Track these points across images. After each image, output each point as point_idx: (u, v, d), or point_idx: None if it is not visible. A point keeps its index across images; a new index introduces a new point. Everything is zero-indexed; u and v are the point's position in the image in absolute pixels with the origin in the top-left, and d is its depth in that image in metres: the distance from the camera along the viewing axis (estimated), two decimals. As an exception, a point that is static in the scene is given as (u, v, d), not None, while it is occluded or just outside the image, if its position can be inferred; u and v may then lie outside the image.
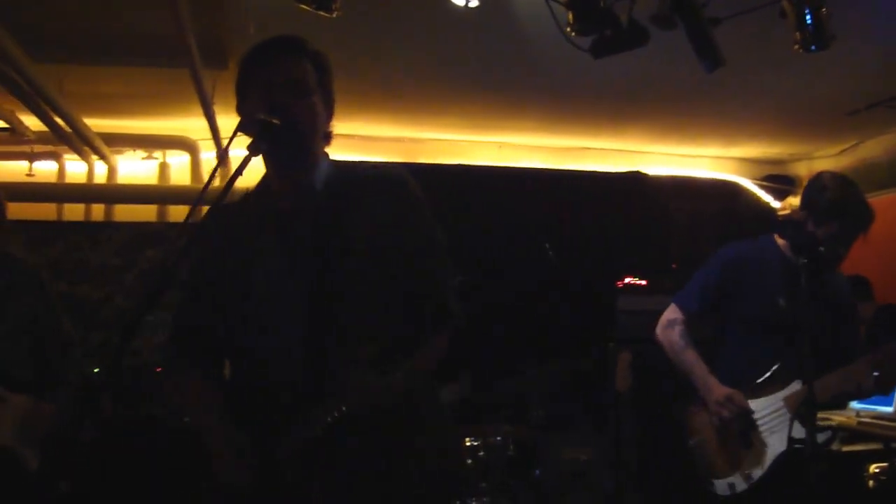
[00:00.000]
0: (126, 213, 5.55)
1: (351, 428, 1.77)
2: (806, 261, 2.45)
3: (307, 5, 2.55)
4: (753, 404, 2.72)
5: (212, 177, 1.80)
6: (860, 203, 2.75)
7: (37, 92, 3.93)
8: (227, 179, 1.78)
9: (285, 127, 1.85)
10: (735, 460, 2.70)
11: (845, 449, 3.32)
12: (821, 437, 2.53)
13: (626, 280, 5.42)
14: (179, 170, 5.69)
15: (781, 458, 2.61)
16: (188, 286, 2.03)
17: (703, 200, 6.41)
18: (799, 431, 2.47)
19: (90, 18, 3.58)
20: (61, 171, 5.53)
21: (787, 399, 2.68)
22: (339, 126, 5.90)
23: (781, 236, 2.85)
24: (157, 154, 5.65)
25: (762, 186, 6.45)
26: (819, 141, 6.08)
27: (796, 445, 2.47)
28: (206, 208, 1.78)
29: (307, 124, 1.93)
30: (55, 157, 5.44)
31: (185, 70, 3.83)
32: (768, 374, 2.73)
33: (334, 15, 2.59)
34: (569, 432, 4.81)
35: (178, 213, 5.64)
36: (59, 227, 5.38)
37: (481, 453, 3.88)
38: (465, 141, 6.12)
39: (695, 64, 4.45)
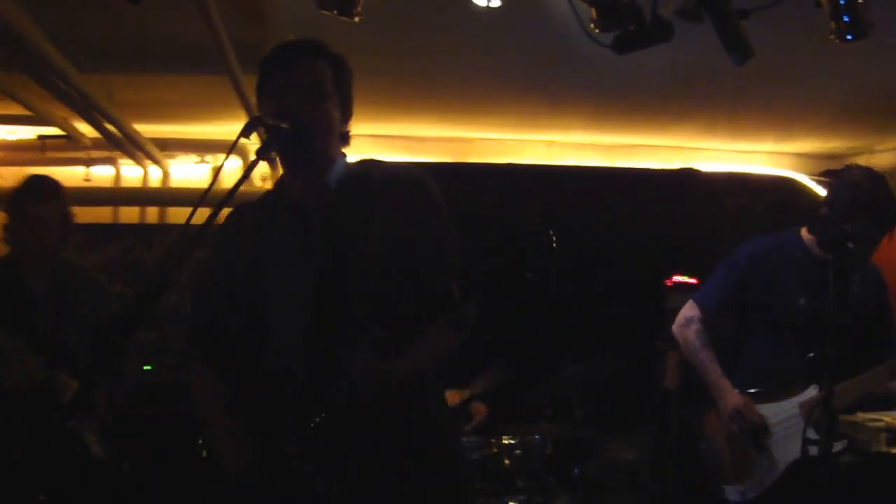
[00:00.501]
0: (179, 215, 5.70)
1: (357, 418, 1.79)
2: (832, 257, 2.37)
3: (328, 10, 2.58)
4: (768, 409, 2.65)
5: (213, 181, 1.85)
6: (889, 201, 2.65)
7: (86, 101, 4.07)
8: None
9: (294, 131, 1.87)
10: (747, 467, 2.63)
11: (893, 451, 3.20)
12: (836, 447, 2.42)
13: (677, 278, 5.34)
14: (232, 173, 5.81)
15: (794, 466, 2.53)
16: (205, 284, 2.08)
17: (758, 197, 6.25)
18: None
19: (131, 29, 3.66)
20: (117, 176, 5.71)
21: (802, 405, 2.60)
22: (387, 127, 5.94)
23: (810, 231, 2.76)
24: (210, 158, 5.79)
25: (819, 182, 6.25)
26: (878, 134, 5.87)
27: (809, 452, 2.37)
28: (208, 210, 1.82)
29: (319, 128, 1.96)
30: (111, 162, 5.62)
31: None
32: (786, 377, 2.65)
33: (356, 20, 2.61)
34: (614, 431, 4.76)
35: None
36: (115, 230, 5.55)
37: (518, 451, 3.85)
38: (514, 140, 6.10)
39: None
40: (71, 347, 2.99)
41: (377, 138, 5.96)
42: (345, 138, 2.10)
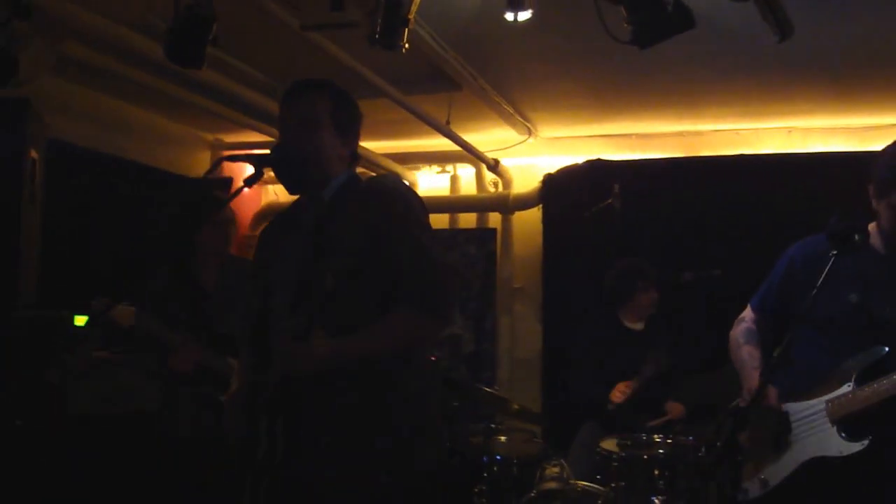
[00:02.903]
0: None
1: (294, 387, 2.18)
2: (836, 253, 2.23)
3: (373, 45, 2.91)
4: (795, 406, 2.50)
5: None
6: None
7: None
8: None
9: (280, 158, 2.31)
10: (760, 464, 2.48)
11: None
12: (855, 447, 2.34)
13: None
14: (468, 181, 6.34)
15: (805, 466, 2.39)
16: (251, 277, 2.60)
17: None
18: (835, 438, 2.33)
19: (332, 61, 4.22)
20: (372, 188, 6.51)
21: (830, 402, 2.43)
22: (616, 126, 6.00)
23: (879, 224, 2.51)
24: (449, 168, 6.36)
25: None
26: None
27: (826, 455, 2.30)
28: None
29: (310, 155, 2.33)
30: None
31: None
32: (829, 376, 2.49)
33: (403, 51, 2.91)
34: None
35: (466, 219, 6.32)
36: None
37: (661, 451, 3.80)
38: (749, 129, 5.80)
39: None
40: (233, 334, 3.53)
41: (608, 138, 6.06)
42: (353, 158, 2.47)
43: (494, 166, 5.91)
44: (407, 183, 2.49)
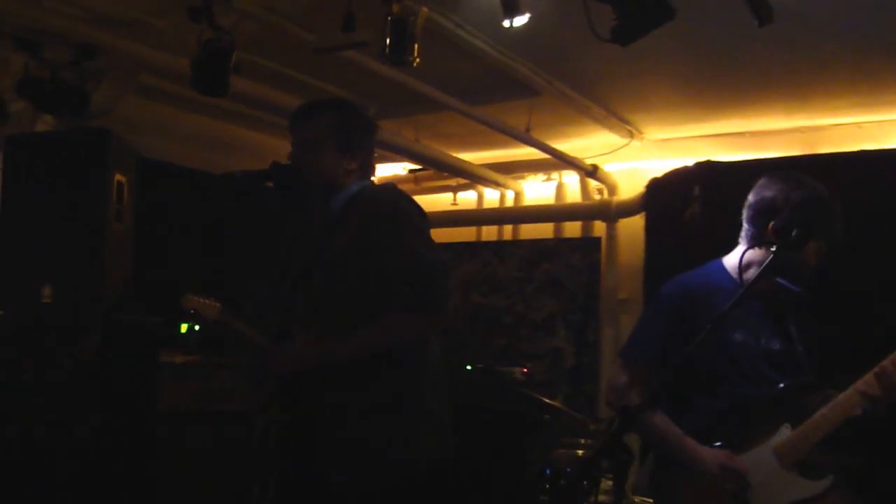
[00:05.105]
0: (531, 230, 6.30)
1: (301, 377, 2.41)
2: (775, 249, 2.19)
3: (384, 62, 2.98)
4: (742, 459, 2.34)
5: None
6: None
7: (387, 145, 4.96)
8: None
9: (279, 175, 2.55)
10: None
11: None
12: (823, 485, 2.27)
13: None
14: (574, 189, 6.21)
15: None
16: (277, 268, 2.81)
17: None
18: (800, 484, 2.26)
19: (396, 79, 4.28)
20: (479, 199, 6.53)
21: (776, 449, 2.31)
22: (727, 125, 5.75)
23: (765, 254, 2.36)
24: (555, 176, 6.26)
25: None
26: None
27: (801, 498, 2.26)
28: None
29: (310, 174, 2.54)
30: (473, 187, 6.47)
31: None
32: (742, 422, 2.36)
33: (415, 65, 2.96)
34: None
35: (571, 228, 6.19)
36: (475, 247, 6.36)
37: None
38: (873, 122, 5.29)
39: None
40: None
41: (719, 137, 5.75)
42: (365, 170, 2.62)
43: (593, 172, 5.75)
44: (398, 188, 2.61)
